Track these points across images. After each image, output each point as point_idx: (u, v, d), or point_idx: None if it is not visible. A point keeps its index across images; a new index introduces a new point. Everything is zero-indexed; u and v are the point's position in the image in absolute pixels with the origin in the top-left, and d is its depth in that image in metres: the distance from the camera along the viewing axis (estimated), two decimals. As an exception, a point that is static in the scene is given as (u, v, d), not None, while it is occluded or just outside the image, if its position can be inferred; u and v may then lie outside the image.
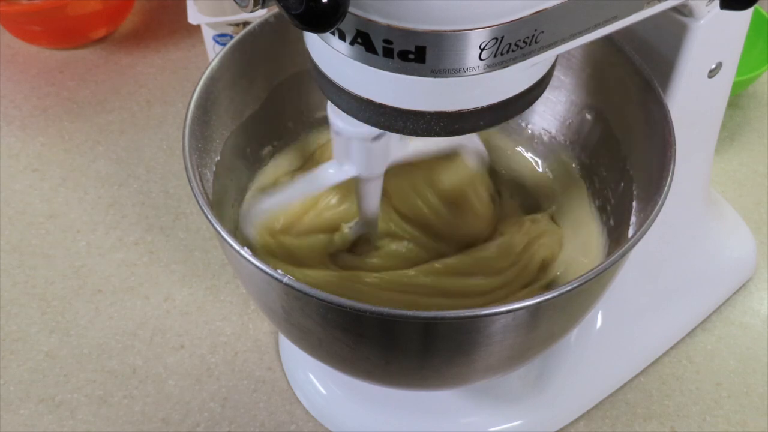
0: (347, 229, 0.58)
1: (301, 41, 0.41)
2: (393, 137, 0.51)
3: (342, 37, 0.37)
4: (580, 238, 0.58)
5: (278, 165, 0.61)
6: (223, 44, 0.66)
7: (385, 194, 0.59)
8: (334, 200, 0.59)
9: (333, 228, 0.58)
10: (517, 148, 0.64)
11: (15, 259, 0.74)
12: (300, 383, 0.66)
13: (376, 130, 0.48)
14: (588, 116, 0.59)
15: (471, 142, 0.59)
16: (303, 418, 0.65)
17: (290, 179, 0.59)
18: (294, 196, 0.57)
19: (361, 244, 0.59)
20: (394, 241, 0.58)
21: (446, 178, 0.59)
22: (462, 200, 0.59)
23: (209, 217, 0.45)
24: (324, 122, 0.62)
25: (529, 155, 0.64)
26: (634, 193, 0.53)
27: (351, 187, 0.56)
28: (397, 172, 0.57)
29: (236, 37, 0.54)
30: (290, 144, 0.62)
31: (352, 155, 0.51)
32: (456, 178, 0.59)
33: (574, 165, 0.61)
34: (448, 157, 0.59)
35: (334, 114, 0.49)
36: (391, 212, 0.59)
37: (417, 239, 0.58)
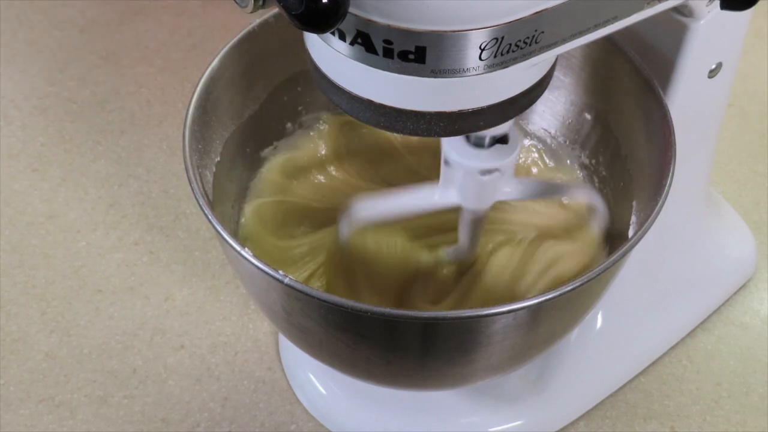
0: (444, 254, 0.56)
1: (301, 41, 0.41)
2: (503, 175, 0.49)
3: (342, 38, 0.37)
4: (580, 239, 0.58)
5: (278, 165, 0.61)
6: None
7: None
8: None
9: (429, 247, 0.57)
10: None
11: (15, 259, 0.74)
12: (300, 383, 0.66)
13: (486, 165, 0.47)
14: (588, 116, 0.59)
15: (595, 199, 0.56)
16: (303, 418, 0.65)
17: (391, 192, 0.56)
18: (393, 211, 0.54)
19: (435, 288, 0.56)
20: None
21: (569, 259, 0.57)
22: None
23: (209, 217, 0.45)
24: (324, 122, 0.63)
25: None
26: (634, 193, 0.53)
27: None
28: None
29: (236, 37, 0.54)
30: (290, 144, 0.62)
31: (458, 185, 0.50)
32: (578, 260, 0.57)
33: (574, 165, 0.61)
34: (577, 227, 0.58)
35: (449, 146, 0.48)
36: None
37: None
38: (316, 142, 0.62)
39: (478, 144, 0.47)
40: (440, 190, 0.51)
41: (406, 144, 0.63)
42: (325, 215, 0.58)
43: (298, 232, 0.58)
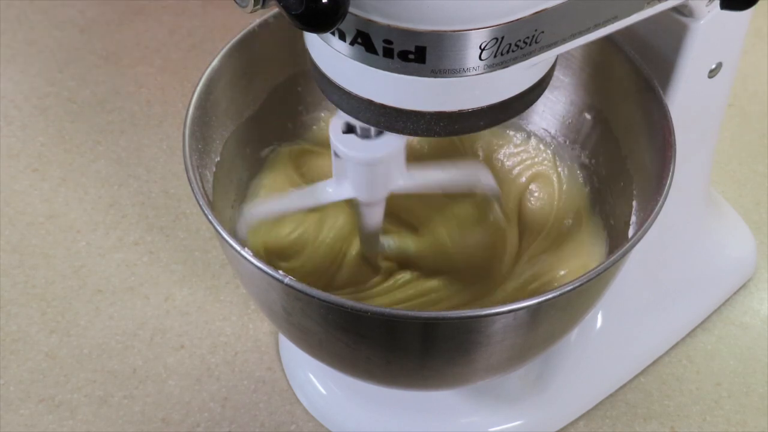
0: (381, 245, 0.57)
1: (301, 41, 0.41)
2: (393, 166, 0.50)
3: (342, 38, 0.37)
4: (580, 238, 0.58)
5: (278, 165, 0.61)
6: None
7: (405, 224, 0.58)
8: (339, 222, 0.58)
9: (338, 254, 0.57)
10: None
11: (15, 259, 0.74)
12: (300, 383, 0.66)
13: (376, 157, 0.48)
14: (588, 116, 0.59)
15: (485, 178, 0.57)
16: (303, 418, 0.65)
17: (286, 193, 0.58)
18: (289, 207, 0.56)
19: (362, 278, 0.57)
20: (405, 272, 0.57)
21: (466, 217, 0.58)
22: (482, 241, 0.58)
23: (209, 217, 0.45)
24: (324, 122, 0.63)
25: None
26: (634, 193, 0.53)
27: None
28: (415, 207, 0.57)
29: (236, 38, 0.54)
30: (290, 144, 0.62)
31: (350, 178, 0.50)
32: (475, 220, 0.58)
33: (573, 165, 0.61)
34: (466, 196, 0.58)
35: (335, 138, 0.48)
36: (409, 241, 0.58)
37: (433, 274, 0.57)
38: (316, 142, 0.62)
39: (366, 135, 0.47)
40: (334, 183, 0.51)
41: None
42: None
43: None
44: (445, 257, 0.58)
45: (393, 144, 0.48)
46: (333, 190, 0.52)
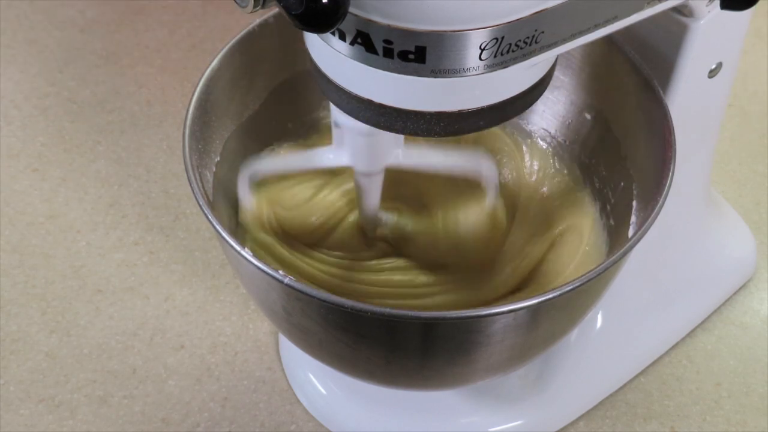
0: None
1: (301, 41, 0.41)
2: (391, 138, 0.50)
3: (342, 38, 0.37)
4: (579, 238, 0.58)
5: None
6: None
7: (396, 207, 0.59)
8: (345, 186, 0.59)
9: (337, 213, 0.58)
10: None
11: (15, 259, 0.74)
12: (300, 383, 0.66)
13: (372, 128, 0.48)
14: (588, 116, 0.59)
15: (487, 168, 0.57)
16: (303, 418, 0.65)
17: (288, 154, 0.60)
18: (290, 167, 0.58)
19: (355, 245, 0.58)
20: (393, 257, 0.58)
21: (468, 213, 0.59)
22: (479, 231, 0.59)
23: (209, 217, 0.45)
24: (323, 122, 0.63)
25: (529, 155, 0.64)
26: (634, 193, 0.53)
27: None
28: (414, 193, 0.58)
29: (236, 38, 0.54)
30: (290, 144, 0.62)
31: (348, 147, 0.51)
32: (477, 214, 0.59)
33: (573, 165, 0.61)
34: (471, 186, 0.58)
35: (336, 107, 0.48)
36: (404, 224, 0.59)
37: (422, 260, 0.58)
38: (315, 142, 0.62)
39: None
40: (334, 150, 0.52)
41: None
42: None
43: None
44: (434, 243, 0.58)
45: None
46: (333, 156, 0.52)
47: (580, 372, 0.63)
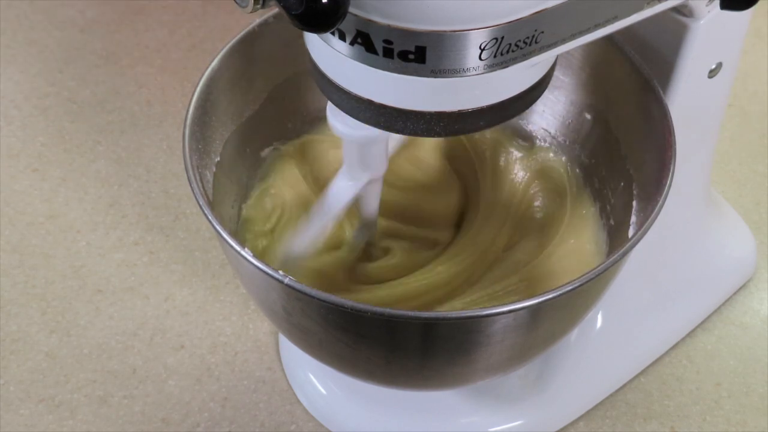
0: (353, 238, 0.57)
1: (301, 41, 0.41)
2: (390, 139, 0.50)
3: (342, 38, 0.37)
4: (579, 238, 0.58)
5: (278, 165, 0.61)
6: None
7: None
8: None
9: (335, 246, 0.58)
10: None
11: (15, 259, 0.74)
12: (300, 383, 0.66)
13: (375, 132, 0.47)
14: (588, 116, 0.59)
15: None
16: (303, 418, 0.65)
17: (307, 214, 0.57)
18: (323, 225, 0.55)
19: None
20: (390, 238, 0.58)
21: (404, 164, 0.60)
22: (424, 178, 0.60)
23: (209, 217, 0.45)
24: (323, 122, 0.62)
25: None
26: (634, 193, 0.53)
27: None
28: None
29: (236, 38, 0.54)
30: (290, 144, 0.62)
31: (363, 159, 0.50)
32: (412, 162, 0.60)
33: (573, 165, 0.61)
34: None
35: (334, 118, 0.47)
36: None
37: (407, 232, 0.59)
38: (316, 142, 0.62)
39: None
40: (345, 174, 0.51)
41: None
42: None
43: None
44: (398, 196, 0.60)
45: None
46: (352, 182, 0.51)
47: (580, 372, 0.63)
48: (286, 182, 0.60)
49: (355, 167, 0.51)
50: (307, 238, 0.55)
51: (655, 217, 0.45)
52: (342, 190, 0.52)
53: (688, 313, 0.69)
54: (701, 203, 0.66)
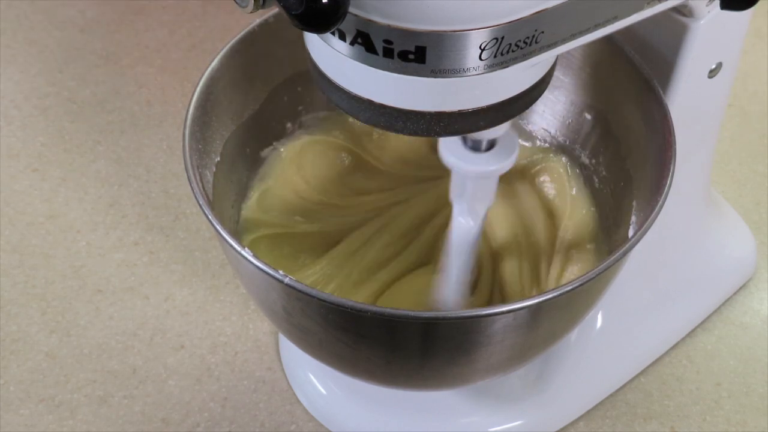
0: None
1: (301, 41, 0.41)
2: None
3: (342, 38, 0.37)
4: (579, 239, 0.58)
5: (278, 166, 0.61)
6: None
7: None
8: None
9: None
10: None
11: (15, 259, 0.74)
12: (300, 383, 0.66)
13: (490, 166, 0.47)
14: (588, 116, 0.59)
15: None
16: (303, 418, 0.65)
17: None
18: (461, 269, 0.54)
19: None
20: None
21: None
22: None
23: (209, 217, 0.45)
24: (323, 123, 0.63)
25: (529, 155, 0.64)
26: (634, 193, 0.53)
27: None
28: None
29: (236, 38, 0.54)
30: (290, 145, 0.62)
31: (481, 193, 0.49)
32: None
33: (574, 165, 0.61)
34: None
35: (447, 152, 0.47)
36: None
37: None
38: (316, 141, 0.62)
39: (476, 148, 0.47)
40: (463, 211, 0.50)
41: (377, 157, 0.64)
42: (320, 239, 0.59)
43: (297, 264, 0.58)
44: None
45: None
46: (473, 222, 0.51)
47: (580, 372, 0.63)
48: (285, 182, 0.60)
49: (472, 201, 0.50)
50: (454, 284, 0.54)
51: (655, 217, 0.45)
52: (464, 231, 0.51)
53: (688, 313, 0.69)
54: (701, 203, 0.66)
